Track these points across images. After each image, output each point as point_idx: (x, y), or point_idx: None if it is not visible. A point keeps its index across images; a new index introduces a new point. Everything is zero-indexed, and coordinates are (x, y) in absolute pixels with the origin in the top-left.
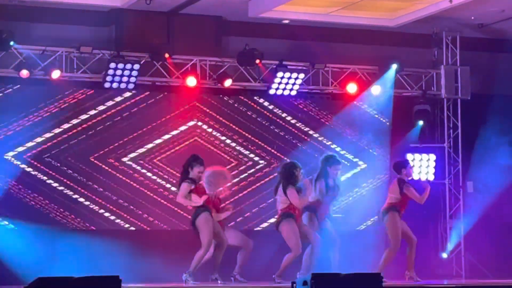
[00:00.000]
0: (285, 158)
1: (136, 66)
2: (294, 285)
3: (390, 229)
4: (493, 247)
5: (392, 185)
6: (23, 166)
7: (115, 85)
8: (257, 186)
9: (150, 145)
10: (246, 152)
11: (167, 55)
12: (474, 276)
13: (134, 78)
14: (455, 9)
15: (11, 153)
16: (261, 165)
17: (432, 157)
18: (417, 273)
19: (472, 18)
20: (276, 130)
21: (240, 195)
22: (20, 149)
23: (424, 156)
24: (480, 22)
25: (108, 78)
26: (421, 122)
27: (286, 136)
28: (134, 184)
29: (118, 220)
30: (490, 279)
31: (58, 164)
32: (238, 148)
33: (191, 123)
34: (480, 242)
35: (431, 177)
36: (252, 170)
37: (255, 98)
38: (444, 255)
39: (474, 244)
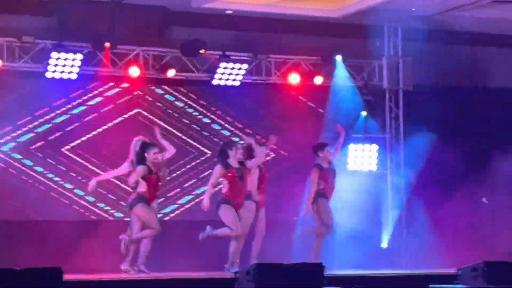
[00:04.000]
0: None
1: (79, 56)
2: (237, 275)
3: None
4: (433, 237)
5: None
6: None
7: (57, 75)
8: (203, 176)
9: (92, 135)
10: (190, 142)
11: (107, 45)
12: (416, 266)
13: (77, 68)
14: (398, 0)
15: None
16: (207, 155)
17: (374, 147)
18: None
19: (413, 9)
20: (218, 120)
21: (186, 185)
22: None
23: (366, 146)
24: (422, 13)
25: (50, 68)
26: (364, 113)
27: (228, 126)
28: (77, 174)
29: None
30: (431, 269)
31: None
32: (182, 137)
33: (133, 113)
34: (421, 232)
35: (374, 168)
36: (198, 160)
37: (198, 88)
38: (385, 245)
39: (415, 234)
